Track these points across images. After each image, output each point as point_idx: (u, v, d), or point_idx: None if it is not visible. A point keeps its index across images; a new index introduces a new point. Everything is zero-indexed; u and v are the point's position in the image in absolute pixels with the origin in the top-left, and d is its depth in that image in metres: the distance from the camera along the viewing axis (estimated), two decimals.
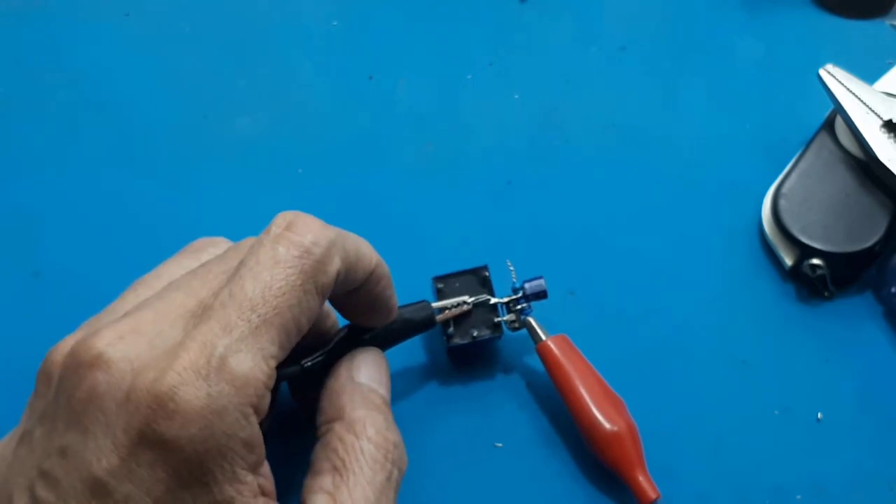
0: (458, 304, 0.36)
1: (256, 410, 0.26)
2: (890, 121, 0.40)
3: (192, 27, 0.51)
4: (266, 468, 0.27)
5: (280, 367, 0.30)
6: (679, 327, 0.40)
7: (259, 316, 0.26)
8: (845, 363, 0.39)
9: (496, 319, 0.37)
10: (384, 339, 0.34)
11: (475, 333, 0.37)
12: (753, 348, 0.39)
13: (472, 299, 0.37)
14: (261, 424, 0.26)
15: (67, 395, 0.25)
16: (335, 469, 0.28)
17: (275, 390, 0.33)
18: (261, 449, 0.26)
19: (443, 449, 0.36)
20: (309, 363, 0.33)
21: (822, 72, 0.41)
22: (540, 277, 0.37)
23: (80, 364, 0.25)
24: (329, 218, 0.42)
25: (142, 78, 0.49)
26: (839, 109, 0.41)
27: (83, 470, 0.24)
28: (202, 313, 0.26)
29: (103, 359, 0.25)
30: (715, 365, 0.39)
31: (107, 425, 0.24)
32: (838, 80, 0.41)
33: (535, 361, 0.37)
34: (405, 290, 0.35)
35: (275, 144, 0.46)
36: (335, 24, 0.51)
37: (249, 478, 0.26)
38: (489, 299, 0.37)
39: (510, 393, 0.38)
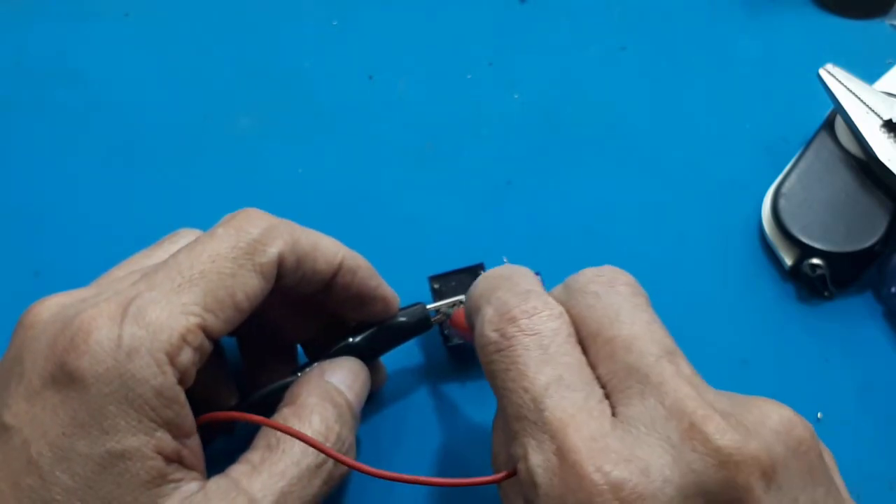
0: (454, 304, 0.36)
1: (173, 361, 0.26)
2: (890, 121, 0.40)
3: (192, 27, 0.51)
4: (195, 441, 0.27)
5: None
6: (679, 327, 0.39)
7: (184, 277, 0.27)
8: (845, 363, 0.39)
9: None
10: (379, 341, 0.34)
11: None
12: (753, 348, 0.39)
13: None
14: (189, 392, 0.26)
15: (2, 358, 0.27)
16: (268, 446, 0.28)
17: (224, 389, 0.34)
18: (180, 408, 0.26)
19: (443, 447, 0.36)
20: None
21: (822, 72, 0.41)
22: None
23: (18, 328, 0.27)
24: (329, 218, 0.43)
25: (142, 78, 0.49)
26: (839, 109, 0.41)
27: None
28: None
29: (37, 318, 0.26)
30: (715, 365, 0.38)
31: (22, 374, 0.25)
32: (838, 80, 0.41)
33: None
34: (405, 289, 0.35)
35: (275, 144, 0.46)
36: (335, 23, 0.51)
37: (160, 433, 0.25)
38: None
39: None
